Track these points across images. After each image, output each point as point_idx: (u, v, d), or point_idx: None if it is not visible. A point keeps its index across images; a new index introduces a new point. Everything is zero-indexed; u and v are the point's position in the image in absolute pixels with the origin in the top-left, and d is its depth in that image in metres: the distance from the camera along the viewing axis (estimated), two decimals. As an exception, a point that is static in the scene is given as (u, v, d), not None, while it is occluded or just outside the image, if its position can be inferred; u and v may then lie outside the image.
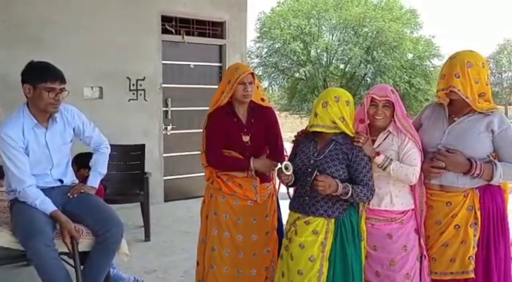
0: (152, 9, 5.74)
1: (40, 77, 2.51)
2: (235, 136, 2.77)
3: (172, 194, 6.08)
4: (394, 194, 2.41)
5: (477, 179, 2.32)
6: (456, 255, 2.39)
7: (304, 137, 2.50)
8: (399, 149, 2.38)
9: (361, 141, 2.33)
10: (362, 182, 2.31)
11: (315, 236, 2.35)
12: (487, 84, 2.35)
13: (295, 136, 2.56)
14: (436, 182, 2.41)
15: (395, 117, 2.38)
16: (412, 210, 2.44)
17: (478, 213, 2.36)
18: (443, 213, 2.41)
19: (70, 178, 2.80)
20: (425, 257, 2.43)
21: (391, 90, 2.39)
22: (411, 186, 2.44)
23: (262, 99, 2.94)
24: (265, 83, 26.18)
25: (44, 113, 2.61)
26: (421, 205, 2.44)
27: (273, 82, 27.16)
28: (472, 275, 2.36)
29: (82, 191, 2.72)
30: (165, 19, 5.90)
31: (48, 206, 2.53)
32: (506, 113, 29.03)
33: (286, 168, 2.36)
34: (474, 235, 2.36)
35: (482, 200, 2.37)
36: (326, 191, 2.25)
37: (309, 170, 2.35)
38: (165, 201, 6.00)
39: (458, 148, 2.33)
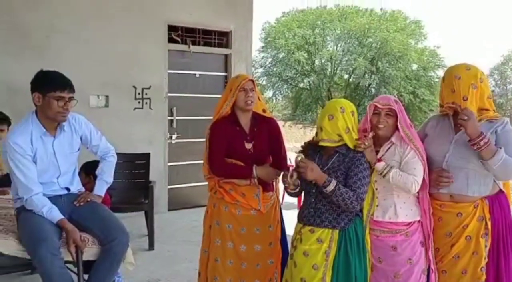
0: (159, 18, 5.78)
1: (50, 86, 2.54)
2: (237, 143, 2.78)
3: (176, 203, 6.07)
4: (398, 205, 2.42)
5: (479, 151, 2.28)
6: (467, 267, 2.39)
7: (310, 149, 2.51)
8: (400, 159, 2.39)
9: (362, 146, 2.34)
10: (350, 188, 2.30)
11: (319, 244, 2.36)
12: (489, 98, 2.42)
13: (301, 146, 2.56)
14: (446, 191, 2.42)
15: (399, 126, 2.39)
16: (418, 221, 2.44)
17: (489, 223, 2.38)
18: (454, 224, 2.42)
19: (76, 186, 2.81)
20: (432, 270, 2.42)
21: (394, 100, 2.42)
22: (417, 198, 2.44)
23: (264, 111, 2.96)
24: (269, 93, 26.25)
25: (52, 122, 2.63)
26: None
27: (277, 92, 27.24)
28: None
29: (89, 199, 2.73)
30: (171, 28, 5.94)
31: (55, 214, 2.54)
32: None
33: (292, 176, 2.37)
34: (485, 246, 2.38)
35: (492, 210, 2.40)
36: (307, 175, 2.27)
37: (313, 182, 2.35)
38: (169, 210, 5.99)
39: (466, 156, 2.35)
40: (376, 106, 2.40)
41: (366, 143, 2.35)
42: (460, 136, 2.39)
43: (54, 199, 2.62)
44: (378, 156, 2.41)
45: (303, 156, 2.35)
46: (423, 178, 2.38)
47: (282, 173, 2.51)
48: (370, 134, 2.40)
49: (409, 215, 2.42)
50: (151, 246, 4.54)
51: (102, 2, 5.38)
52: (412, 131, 2.42)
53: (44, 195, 2.59)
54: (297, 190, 2.45)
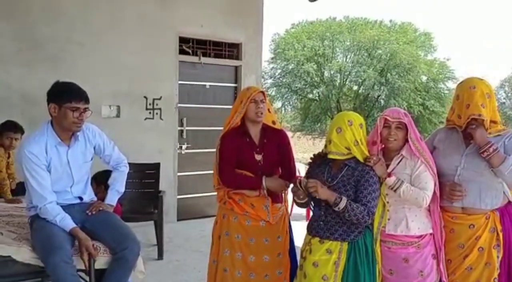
0: (170, 30, 5.87)
1: (66, 97, 2.59)
2: (247, 155, 2.82)
3: (185, 213, 6.10)
4: (410, 218, 2.43)
5: (489, 158, 2.32)
6: (481, 278, 2.41)
7: (319, 161, 2.53)
8: (411, 172, 2.41)
9: (371, 161, 2.36)
10: (360, 202, 2.32)
11: (329, 255, 2.37)
12: (495, 110, 2.48)
13: (311, 158, 2.59)
14: (458, 204, 2.44)
15: (409, 140, 2.41)
16: (430, 234, 2.45)
17: (500, 234, 2.40)
18: (466, 236, 2.43)
19: (89, 195, 2.86)
20: None
21: (404, 113, 2.45)
22: (428, 210, 2.45)
23: (273, 122, 2.99)
24: (278, 104, 26.26)
25: (67, 132, 2.68)
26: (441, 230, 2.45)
27: (286, 103, 27.22)
28: None
29: (101, 208, 2.77)
30: (183, 40, 6.02)
31: (68, 222, 2.58)
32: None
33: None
34: (498, 257, 2.40)
35: (502, 221, 2.42)
36: (317, 193, 2.29)
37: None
38: (178, 219, 6.02)
39: (478, 169, 2.39)
40: (386, 119, 2.43)
41: (375, 158, 2.37)
42: (471, 149, 2.42)
43: (67, 208, 2.66)
44: (389, 169, 2.43)
45: (306, 180, 2.38)
46: (434, 191, 2.40)
47: (291, 185, 2.53)
48: (375, 157, 2.41)
49: (421, 228, 2.43)
50: (160, 256, 4.56)
51: (116, 15, 5.48)
52: (422, 145, 2.44)
53: (57, 203, 2.63)
54: (306, 199, 2.47)
